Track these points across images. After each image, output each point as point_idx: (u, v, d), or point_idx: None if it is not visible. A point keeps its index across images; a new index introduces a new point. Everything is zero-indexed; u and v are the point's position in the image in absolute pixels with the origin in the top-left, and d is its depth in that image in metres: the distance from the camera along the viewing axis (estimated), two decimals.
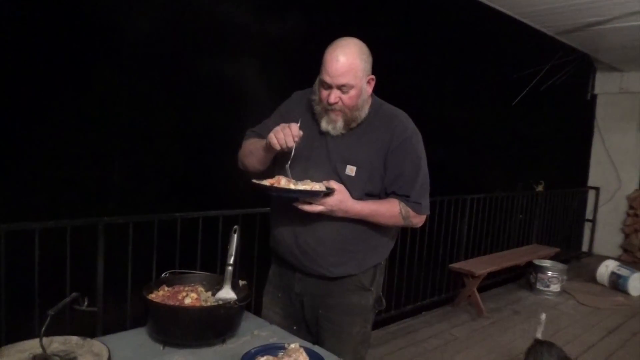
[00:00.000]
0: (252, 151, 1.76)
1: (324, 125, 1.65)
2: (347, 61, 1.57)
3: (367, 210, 1.63)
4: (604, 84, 6.73)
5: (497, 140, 7.29)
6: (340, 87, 1.59)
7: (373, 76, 1.68)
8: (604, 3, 3.79)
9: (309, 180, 1.56)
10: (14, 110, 3.47)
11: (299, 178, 1.59)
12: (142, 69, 4.24)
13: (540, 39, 4.81)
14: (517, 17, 4.26)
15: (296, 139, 1.55)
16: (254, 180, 1.59)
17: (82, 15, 3.81)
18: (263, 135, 1.72)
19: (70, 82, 3.79)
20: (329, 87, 1.60)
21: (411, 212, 1.68)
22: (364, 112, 1.67)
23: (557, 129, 7.09)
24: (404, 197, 1.67)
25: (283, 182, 1.54)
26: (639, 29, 4.29)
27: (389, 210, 1.65)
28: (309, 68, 1.82)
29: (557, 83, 6.03)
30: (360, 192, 1.63)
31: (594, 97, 6.84)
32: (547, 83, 5.95)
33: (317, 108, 1.67)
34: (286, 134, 1.55)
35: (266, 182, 1.56)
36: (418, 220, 1.73)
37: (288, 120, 1.64)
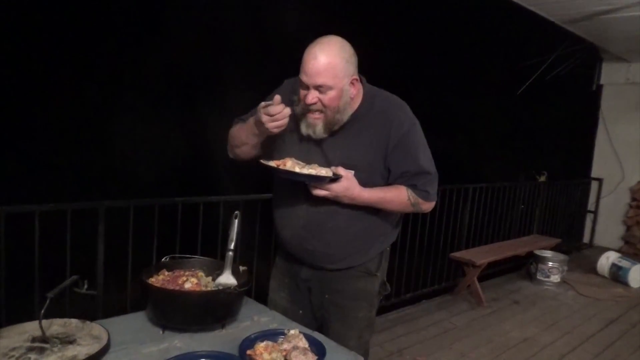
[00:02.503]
0: (244, 142, 1.69)
1: (304, 129, 1.57)
2: (326, 60, 1.47)
3: (375, 199, 1.61)
4: (610, 74, 6.65)
5: (500, 130, 7.26)
6: (317, 88, 1.50)
7: (357, 77, 1.57)
8: None
9: (316, 165, 1.54)
10: (16, 94, 3.45)
11: (296, 154, 1.57)
12: (144, 54, 4.22)
13: (547, 28, 4.75)
14: (523, 4, 4.19)
15: (287, 112, 1.48)
16: (262, 160, 1.56)
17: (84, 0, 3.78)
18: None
19: (73, 66, 3.77)
20: (307, 87, 1.51)
21: (419, 200, 1.66)
22: (346, 114, 1.58)
23: (561, 120, 7.05)
24: (411, 186, 1.65)
25: (289, 164, 1.52)
26: None
27: (397, 197, 1.64)
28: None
29: (563, 73, 5.97)
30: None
31: (600, 87, 6.76)
32: (552, 73, 5.90)
33: (297, 109, 1.58)
34: (279, 117, 1.48)
35: (273, 163, 1.53)
36: (427, 206, 1.71)
37: None
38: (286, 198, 1.70)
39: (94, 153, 4.01)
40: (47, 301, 1.24)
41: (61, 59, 3.70)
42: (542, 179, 6.20)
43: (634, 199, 6.52)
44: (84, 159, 3.92)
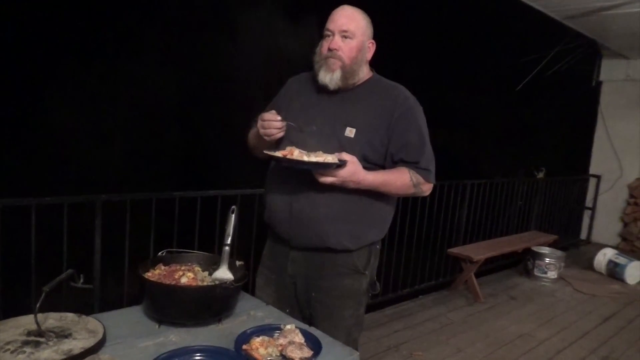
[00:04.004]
0: (255, 145, 1.82)
1: (322, 75, 1.66)
2: (352, 12, 1.66)
3: (380, 181, 1.62)
4: (609, 71, 6.65)
5: (499, 125, 7.24)
6: (342, 33, 1.63)
7: (374, 41, 1.72)
8: None
9: (321, 152, 1.55)
10: (13, 86, 3.43)
11: (299, 143, 1.60)
12: (141, 47, 4.19)
13: (547, 24, 4.73)
14: (524, 0, 4.18)
15: (277, 124, 1.60)
16: (267, 151, 1.60)
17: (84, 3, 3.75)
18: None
19: (70, 59, 3.75)
20: (332, 34, 1.64)
21: (421, 179, 1.68)
22: (362, 73, 1.70)
23: (560, 116, 7.03)
24: (413, 165, 1.67)
25: (296, 153, 1.54)
26: None
27: (399, 178, 1.65)
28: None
29: (562, 69, 5.96)
30: (358, 155, 1.59)
31: (599, 84, 6.76)
32: (552, 69, 5.88)
33: (318, 63, 1.68)
34: (267, 126, 1.61)
35: (278, 154, 1.55)
36: (427, 187, 1.73)
37: (280, 105, 1.72)
38: (279, 181, 1.73)
39: (91, 146, 3.99)
40: (43, 295, 1.24)
41: (59, 49, 3.68)
42: (540, 175, 6.21)
43: (631, 196, 6.53)
44: (81, 152, 3.90)
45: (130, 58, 4.16)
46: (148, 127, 4.42)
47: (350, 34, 1.63)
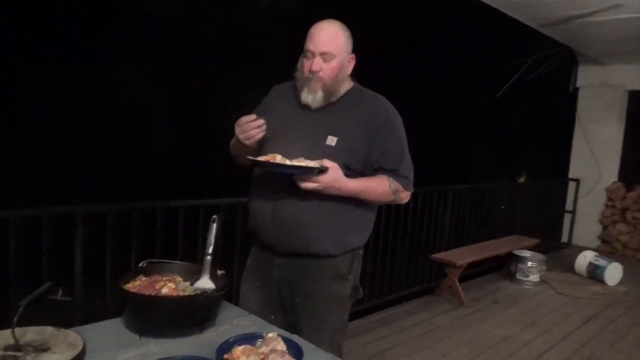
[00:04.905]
0: (238, 153, 1.84)
1: (304, 96, 1.69)
2: (332, 32, 1.67)
3: (360, 187, 1.66)
4: (586, 76, 6.80)
5: (481, 131, 7.35)
6: (322, 55, 1.65)
7: (354, 55, 1.73)
8: None
9: (302, 158, 1.57)
10: None
11: (281, 151, 1.61)
12: (128, 58, 4.17)
13: (524, 32, 4.84)
14: (501, 9, 4.27)
15: (256, 123, 1.63)
16: (249, 157, 1.62)
17: (70, 6, 3.72)
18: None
19: (53, 67, 3.70)
20: (312, 55, 1.66)
21: (400, 187, 1.72)
22: (343, 87, 1.73)
23: (540, 121, 7.17)
24: (393, 172, 1.71)
25: (278, 158, 1.56)
26: (620, 22, 4.34)
27: (379, 185, 1.69)
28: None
29: (541, 75, 6.08)
30: (340, 163, 1.61)
31: (576, 89, 6.91)
32: (531, 75, 6.00)
33: (300, 82, 1.71)
34: (246, 129, 1.63)
35: (261, 158, 1.58)
36: (405, 195, 1.77)
37: (263, 113, 1.73)
38: (263, 188, 1.75)
39: (71, 155, 3.94)
40: (20, 309, 1.23)
41: (41, 58, 3.64)
42: (522, 179, 6.30)
43: (610, 199, 6.67)
44: (60, 161, 3.85)
45: (114, 68, 4.13)
46: (130, 135, 4.39)
47: (330, 56, 1.65)
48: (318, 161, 1.56)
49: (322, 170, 1.54)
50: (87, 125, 4.09)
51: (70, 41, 3.83)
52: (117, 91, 4.22)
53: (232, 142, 1.86)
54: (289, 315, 1.81)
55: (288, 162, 1.54)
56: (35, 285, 1.38)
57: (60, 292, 1.38)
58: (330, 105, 1.72)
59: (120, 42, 4.10)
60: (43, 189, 3.64)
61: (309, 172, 1.53)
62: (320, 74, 1.65)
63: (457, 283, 4.34)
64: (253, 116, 1.65)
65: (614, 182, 6.67)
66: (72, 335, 1.34)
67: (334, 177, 1.57)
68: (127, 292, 1.43)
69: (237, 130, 1.68)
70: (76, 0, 3.74)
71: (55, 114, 3.84)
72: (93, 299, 2.47)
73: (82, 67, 3.94)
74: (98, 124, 4.18)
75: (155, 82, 4.42)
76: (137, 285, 1.50)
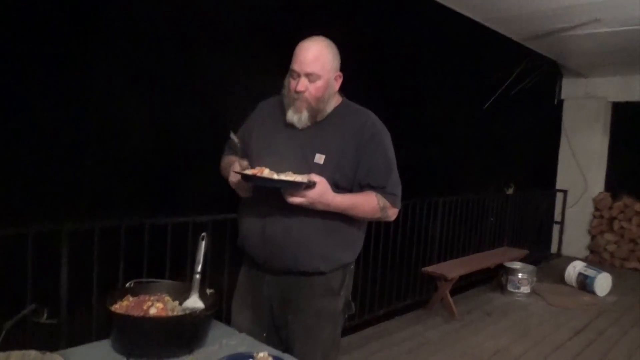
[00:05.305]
0: (227, 176, 1.82)
1: (290, 115, 1.68)
2: (317, 52, 1.64)
3: (347, 203, 1.65)
4: (570, 89, 6.92)
5: (469, 143, 7.41)
6: (308, 76, 1.63)
7: (341, 73, 1.72)
8: (567, 10, 3.88)
9: (291, 173, 1.56)
10: None
11: (269, 167, 1.60)
12: (113, 69, 4.13)
13: (509, 45, 4.91)
14: (487, 24, 4.35)
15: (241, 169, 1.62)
16: (236, 170, 1.61)
17: (53, 10, 3.68)
18: (232, 150, 1.81)
19: (36, 77, 3.65)
20: (298, 75, 1.64)
21: (388, 204, 1.71)
22: (329, 106, 1.72)
23: (527, 133, 7.25)
24: (380, 189, 1.70)
25: (266, 172, 1.56)
26: (601, 36, 4.43)
27: (367, 202, 1.68)
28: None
29: (526, 88, 6.17)
30: (329, 181, 1.61)
31: (561, 101, 7.02)
32: (516, 88, 6.09)
33: (286, 100, 1.70)
34: (233, 176, 1.65)
35: (249, 172, 1.57)
36: (392, 212, 1.76)
37: (250, 130, 1.77)
38: (252, 205, 1.73)
39: (56, 171, 3.88)
40: (3, 332, 1.19)
41: (22, 68, 3.59)
42: (510, 191, 6.34)
43: (597, 209, 6.74)
44: (45, 177, 3.79)
45: (100, 79, 4.09)
46: (117, 151, 4.35)
47: (315, 77, 1.63)
48: (306, 175, 1.55)
49: (310, 185, 1.53)
50: (73, 139, 4.03)
51: (54, 54, 3.79)
52: (103, 106, 4.18)
53: (224, 161, 1.85)
54: (281, 332, 1.78)
55: (275, 176, 1.53)
56: (19, 307, 1.35)
57: (45, 315, 1.35)
58: (318, 123, 1.71)
59: (106, 55, 4.07)
60: (27, 206, 3.57)
61: (296, 186, 1.53)
62: (306, 94, 1.64)
63: (449, 296, 4.33)
64: (245, 163, 1.64)
65: (601, 192, 6.75)
66: (56, 359, 1.30)
67: (321, 191, 1.56)
68: (114, 313, 1.40)
69: (230, 176, 1.68)
70: (49, 19, 3.70)
71: (39, 128, 3.79)
72: (79, 320, 2.42)
73: (66, 79, 3.90)
74: (84, 138, 4.13)
75: (143, 96, 4.39)
76: (124, 305, 1.47)
